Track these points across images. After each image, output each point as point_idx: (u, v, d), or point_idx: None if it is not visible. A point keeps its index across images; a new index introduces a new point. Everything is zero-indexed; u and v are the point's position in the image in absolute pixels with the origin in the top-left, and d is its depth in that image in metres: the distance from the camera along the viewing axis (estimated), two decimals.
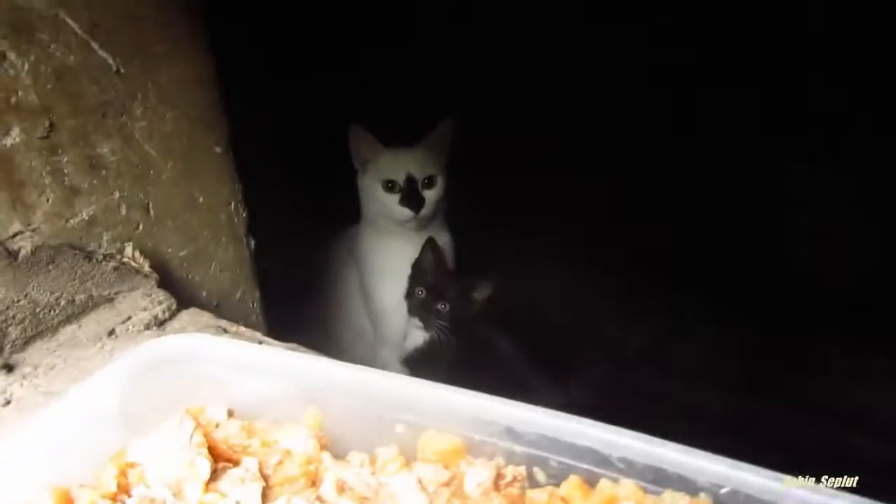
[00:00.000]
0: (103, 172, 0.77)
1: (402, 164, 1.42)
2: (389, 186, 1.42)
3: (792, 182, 1.86)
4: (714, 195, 1.92)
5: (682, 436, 0.42)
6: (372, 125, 1.45)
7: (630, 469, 0.42)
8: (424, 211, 1.42)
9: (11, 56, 0.67)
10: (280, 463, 0.48)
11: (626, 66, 1.82)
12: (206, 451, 0.48)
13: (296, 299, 1.42)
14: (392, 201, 1.42)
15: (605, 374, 1.70)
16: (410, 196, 1.41)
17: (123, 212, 0.80)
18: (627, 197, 1.92)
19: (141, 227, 0.81)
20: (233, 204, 0.92)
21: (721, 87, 1.79)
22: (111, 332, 0.73)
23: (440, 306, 1.41)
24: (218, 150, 0.89)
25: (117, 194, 0.78)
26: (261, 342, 0.71)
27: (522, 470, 0.45)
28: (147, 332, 0.74)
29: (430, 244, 1.42)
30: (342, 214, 1.59)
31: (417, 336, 1.45)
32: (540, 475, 0.45)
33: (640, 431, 0.43)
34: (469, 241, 1.58)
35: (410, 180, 1.41)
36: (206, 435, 0.49)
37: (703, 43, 1.76)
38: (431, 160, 1.45)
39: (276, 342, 0.73)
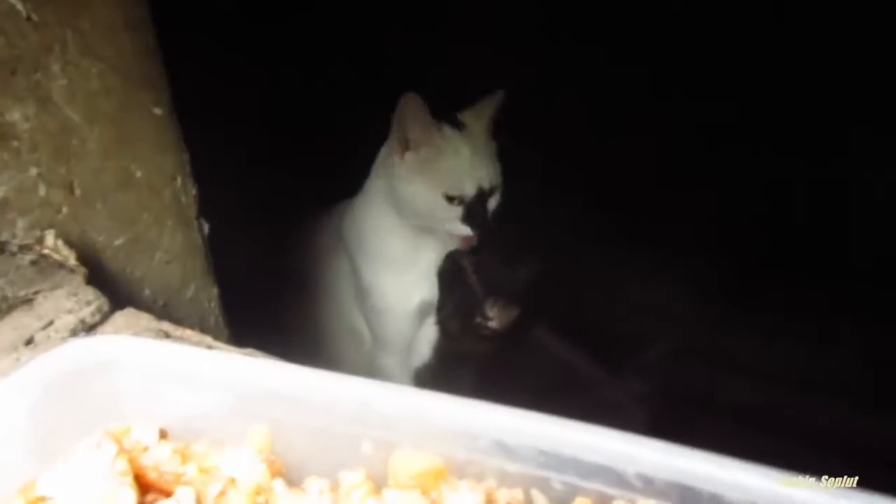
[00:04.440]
0: (15, 144, 0.77)
1: (474, 175, 1.41)
2: (451, 198, 1.41)
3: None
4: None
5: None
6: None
7: (650, 488, 0.42)
8: (487, 227, 1.42)
9: None
10: (222, 493, 0.49)
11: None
12: (130, 479, 0.49)
13: (268, 297, 1.43)
14: (452, 214, 1.41)
15: (665, 357, 1.70)
16: (476, 214, 1.41)
17: (42, 192, 0.80)
18: (681, 159, 1.91)
19: (64, 210, 0.82)
20: (179, 179, 0.92)
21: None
22: (29, 341, 0.74)
23: (479, 321, 1.41)
24: (157, 111, 0.89)
25: (34, 171, 0.79)
26: (209, 347, 0.72)
27: (518, 494, 0.45)
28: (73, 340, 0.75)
29: (452, 260, 1.43)
30: (322, 190, 1.60)
31: (423, 346, 1.45)
32: (540, 499, 0.45)
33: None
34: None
35: (481, 195, 1.42)
36: (131, 461, 0.50)
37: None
38: (496, 158, 1.46)
39: (231, 348, 0.74)
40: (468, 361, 1.44)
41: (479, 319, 1.39)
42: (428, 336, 1.49)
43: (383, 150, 1.49)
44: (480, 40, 1.86)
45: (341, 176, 1.56)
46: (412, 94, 1.35)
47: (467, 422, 0.46)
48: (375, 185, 1.51)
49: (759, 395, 1.68)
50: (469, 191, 1.40)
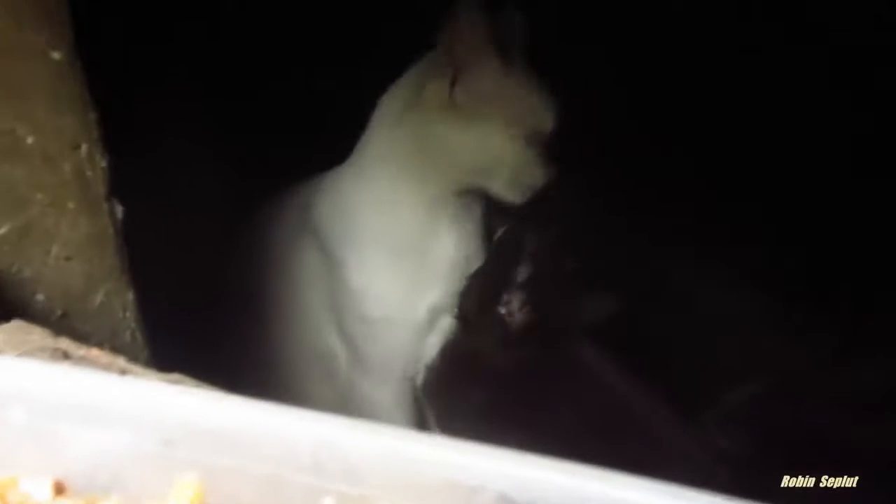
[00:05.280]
0: None
1: (550, 101, 1.45)
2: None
3: None
4: None
5: None
6: None
7: None
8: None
9: None
10: None
11: None
12: None
13: (203, 305, 1.43)
14: (524, 159, 1.45)
15: (759, 401, 1.70)
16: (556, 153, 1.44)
17: None
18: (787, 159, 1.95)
19: None
20: (84, 147, 0.92)
21: None
22: None
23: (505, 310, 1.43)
24: (56, 56, 0.89)
25: None
26: (123, 372, 0.72)
27: None
28: None
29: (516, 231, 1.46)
30: (278, 164, 1.61)
31: (436, 336, 1.47)
32: None
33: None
34: None
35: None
36: None
37: None
38: None
39: (152, 373, 0.74)
40: (483, 369, 1.45)
41: (502, 309, 1.41)
42: (444, 325, 1.52)
43: (400, 92, 1.51)
44: None
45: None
46: (469, 7, 1.36)
47: (464, 470, 0.46)
48: (383, 143, 1.52)
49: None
50: (549, 124, 1.43)
